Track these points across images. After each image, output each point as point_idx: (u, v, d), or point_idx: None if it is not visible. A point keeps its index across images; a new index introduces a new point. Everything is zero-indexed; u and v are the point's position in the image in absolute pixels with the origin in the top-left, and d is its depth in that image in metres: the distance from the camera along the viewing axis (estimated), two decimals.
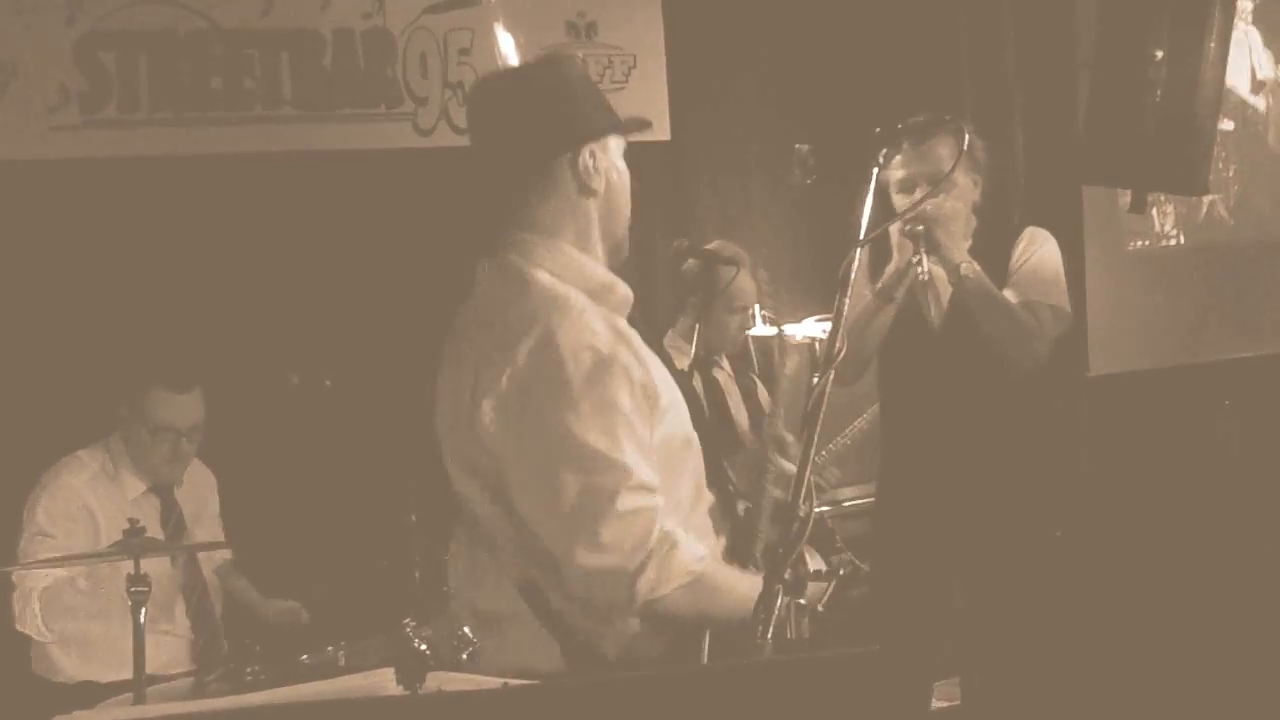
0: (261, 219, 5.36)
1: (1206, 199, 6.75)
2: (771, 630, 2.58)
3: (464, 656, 2.66)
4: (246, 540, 4.93)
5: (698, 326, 4.83)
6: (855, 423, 5.37)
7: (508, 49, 5.70)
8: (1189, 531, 6.16)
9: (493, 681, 2.35)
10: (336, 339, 5.34)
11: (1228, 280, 6.97)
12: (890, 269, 4.48)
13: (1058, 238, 4.70)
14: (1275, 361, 6.75)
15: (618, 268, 3.02)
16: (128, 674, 4.18)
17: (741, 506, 3.22)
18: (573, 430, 2.78)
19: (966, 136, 3.91)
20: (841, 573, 5.31)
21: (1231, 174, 6.97)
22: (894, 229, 4.40)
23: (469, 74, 5.67)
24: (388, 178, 5.55)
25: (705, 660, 2.89)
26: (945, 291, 4.55)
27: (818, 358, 4.81)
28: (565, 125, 2.95)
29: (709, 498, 3.04)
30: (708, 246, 5.21)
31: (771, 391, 4.89)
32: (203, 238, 5.27)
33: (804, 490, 2.67)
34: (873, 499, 4.99)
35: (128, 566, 4.09)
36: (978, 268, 4.44)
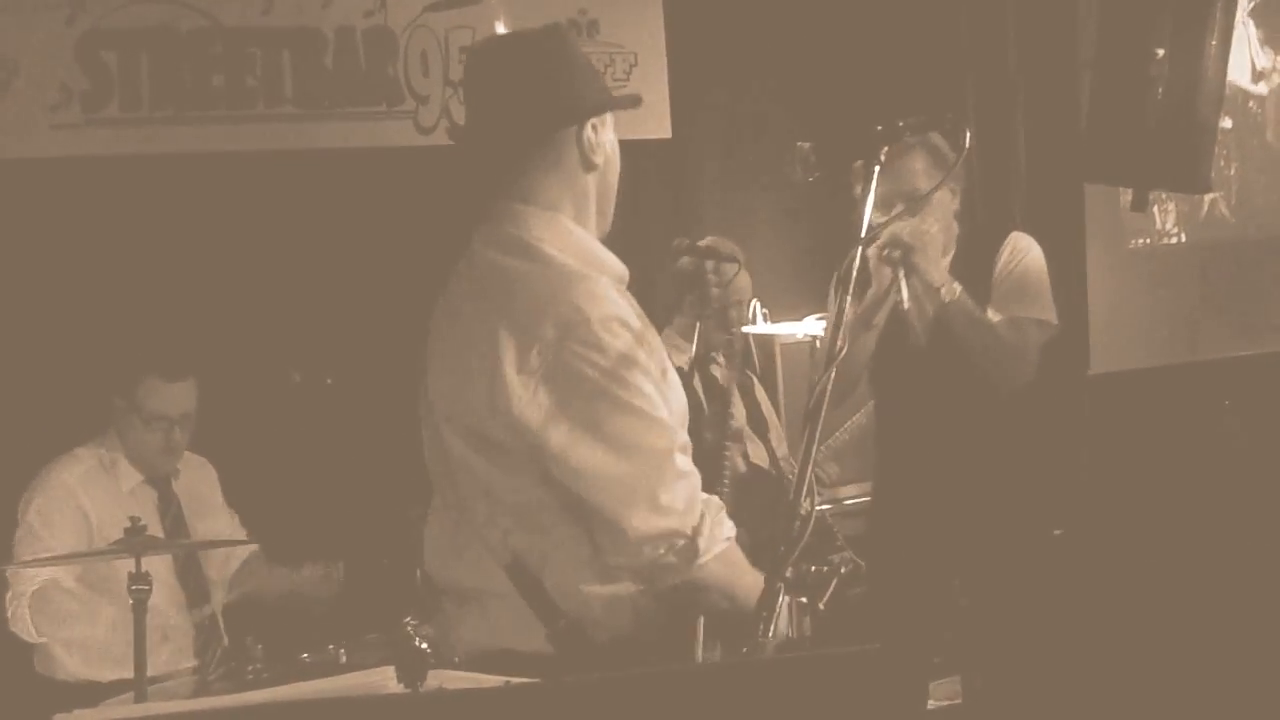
0: (263, 217, 5.36)
1: (1208, 197, 6.74)
2: (773, 628, 2.59)
3: (457, 660, 2.67)
4: (254, 535, 4.96)
5: (698, 325, 4.83)
6: (853, 418, 5.36)
7: None
8: (1190, 530, 6.16)
9: (494, 680, 2.35)
10: (338, 337, 5.34)
11: (1229, 279, 6.97)
12: (869, 296, 4.38)
13: (1059, 236, 4.69)
14: (1276, 360, 6.75)
15: (603, 241, 3.05)
16: (128, 673, 4.18)
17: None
18: (620, 397, 2.81)
19: (968, 136, 3.88)
20: (843, 570, 5.30)
21: (1233, 172, 6.97)
22: (870, 253, 4.27)
23: None
24: (389, 176, 5.55)
25: (701, 650, 2.91)
26: (928, 314, 4.42)
27: (818, 356, 4.83)
28: (573, 98, 2.95)
29: None
30: (701, 243, 5.21)
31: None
32: (205, 236, 5.28)
33: (805, 488, 2.68)
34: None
35: (126, 564, 4.10)
36: (959, 289, 4.34)
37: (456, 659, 2.86)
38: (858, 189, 4.35)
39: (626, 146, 3.07)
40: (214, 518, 4.90)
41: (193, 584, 4.76)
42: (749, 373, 5.70)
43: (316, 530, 4.83)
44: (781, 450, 5.55)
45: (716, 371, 5.39)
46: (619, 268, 3.00)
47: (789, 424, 5.65)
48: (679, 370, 3.13)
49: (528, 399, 2.81)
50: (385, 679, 2.32)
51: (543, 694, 2.25)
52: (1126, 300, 6.71)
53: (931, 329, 4.46)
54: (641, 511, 2.81)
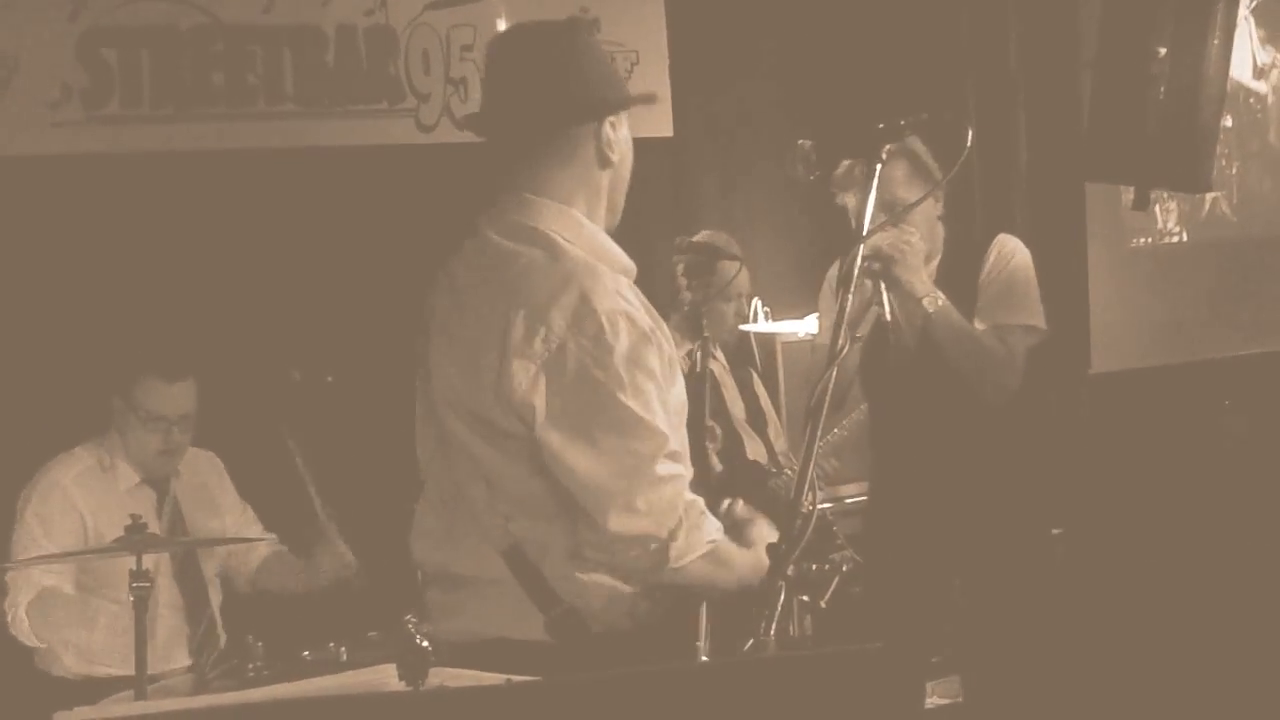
0: (263, 215, 5.36)
1: (1209, 196, 6.74)
2: (774, 626, 2.59)
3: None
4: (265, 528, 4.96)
5: (702, 321, 4.83)
6: (852, 415, 5.35)
7: None
8: (1190, 530, 6.16)
9: (495, 678, 2.35)
10: (338, 335, 5.34)
11: (1230, 278, 6.96)
12: (851, 306, 4.34)
13: (1059, 235, 4.68)
14: (1277, 360, 6.74)
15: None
16: (127, 670, 4.18)
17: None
18: (615, 396, 2.82)
19: (970, 135, 3.86)
20: (845, 569, 5.29)
21: (1234, 171, 6.96)
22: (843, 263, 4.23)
23: (471, 70, 5.67)
24: (389, 174, 5.55)
25: (704, 638, 2.91)
26: (915, 325, 4.35)
27: (816, 355, 4.82)
28: (595, 94, 2.96)
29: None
30: (695, 238, 5.21)
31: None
32: (205, 234, 5.27)
33: (807, 486, 2.68)
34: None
35: (124, 565, 4.10)
36: (942, 299, 4.29)
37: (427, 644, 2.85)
38: (840, 197, 4.36)
39: None
40: (222, 513, 4.89)
41: (191, 583, 4.76)
42: (749, 368, 5.70)
43: (320, 530, 4.82)
44: (780, 446, 5.55)
45: (713, 366, 5.39)
46: (628, 263, 3.01)
47: (790, 422, 5.65)
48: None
49: (527, 384, 2.82)
50: (386, 677, 2.32)
51: (543, 692, 2.25)
52: (1127, 300, 6.71)
53: (919, 337, 4.39)
54: (617, 512, 2.82)
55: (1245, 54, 6.79)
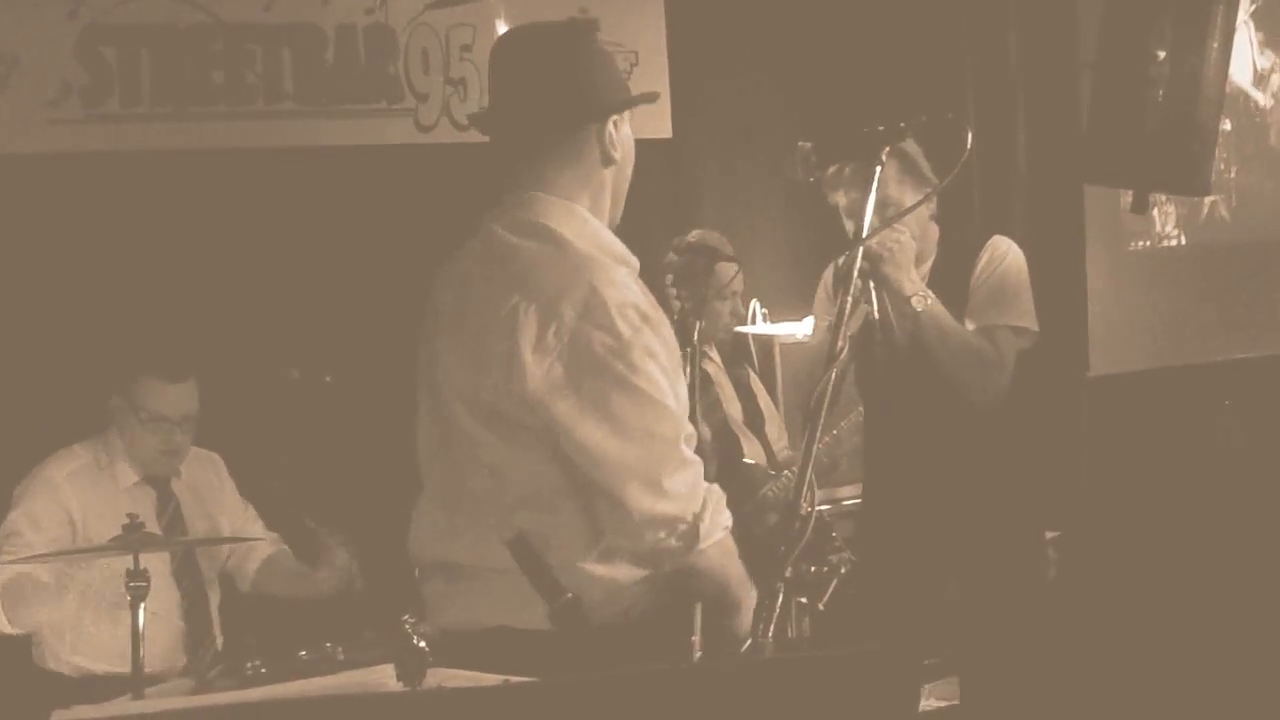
0: (263, 214, 5.36)
1: (1208, 199, 6.73)
2: (773, 628, 2.59)
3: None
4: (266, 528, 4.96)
5: (699, 324, 4.82)
6: (850, 415, 5.35)
7: None
8: (1189, 532, 6.16)
9: (493, 678, 2.35)
10: (337, 334, 5.34)
11: (1229, 281, 6.96)
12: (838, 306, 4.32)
13: (1059, 237, 4.67)
14: (1276, 363, 6.74)
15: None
16: (124, 667, 4.18)
17: None
18: (634, 383, 2.85)
19: (969, 137, 3.85)
20: (843, 571, 5.29)
21: (1233, 175, 6.96)
22: (840, 263, 4.21)
23: (471, 71, 5.67)
24: (388, 174, 5.55)
25: (699, 634, 2.92)
26: (906, 324, 4.32)
27: (816, 355, 4.81)
28: (599, 94, 3.01)
29: None
30: (689, 238, 5.20)
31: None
32: (204, 233, 5.27)
33: (805, 488, 2.68)
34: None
35: (121, 561, 4.09)
36: (931, 299, 4.26)
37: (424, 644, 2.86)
38: (831, 196, 4.35)
39: None
40: (223, 512, 4.89)
41: (189, 583, 4.75)
42: (747, 367, 5.70)
43: (319, 529, 4.82)
44: (779, 445, 5.55)
45: (708, 366, 5.39)
46: (632, 258, 3.04)
47: (788, 424, 5.65)
48: None
49: (542, 376, 2.85)
50: (384, 677, 2.32)
51: (542, 692, 2.25)
52: (1126, 302, 6.71)
53: (908, 336, 4.37)
54: (646, 495, 2.85)
55: (1244, 58, 6.79)
